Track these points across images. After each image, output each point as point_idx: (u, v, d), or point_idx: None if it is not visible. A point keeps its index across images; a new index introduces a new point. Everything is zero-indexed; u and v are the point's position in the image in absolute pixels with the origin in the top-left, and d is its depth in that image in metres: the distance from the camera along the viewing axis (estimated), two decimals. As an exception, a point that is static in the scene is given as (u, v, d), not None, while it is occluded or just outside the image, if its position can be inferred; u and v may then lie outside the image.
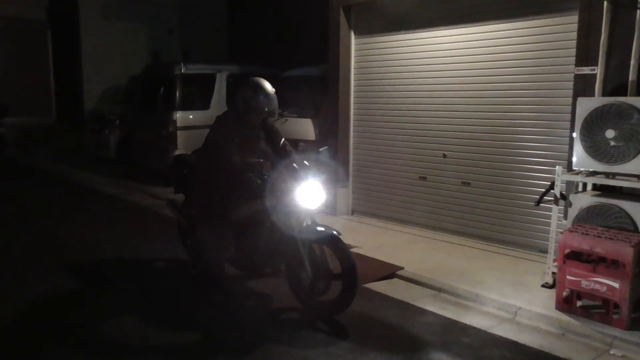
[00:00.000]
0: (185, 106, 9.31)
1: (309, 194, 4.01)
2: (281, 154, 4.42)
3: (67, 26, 15.05)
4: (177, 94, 9.28)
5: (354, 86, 7.28)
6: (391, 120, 6.86)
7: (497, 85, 5.73)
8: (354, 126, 7.34)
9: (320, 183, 4.05)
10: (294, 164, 4.19)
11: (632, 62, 4.57)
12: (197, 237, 4.73)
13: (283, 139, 4.51)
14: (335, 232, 3.97)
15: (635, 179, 4.19)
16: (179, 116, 9.16)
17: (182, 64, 9.39)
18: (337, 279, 3.98)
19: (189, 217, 4.93)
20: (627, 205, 4.19)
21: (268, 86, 4.29)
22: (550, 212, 4.68)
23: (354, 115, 7.32)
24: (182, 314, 4.25)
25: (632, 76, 4.59)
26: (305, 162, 4.20)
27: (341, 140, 7.33)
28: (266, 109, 4.25)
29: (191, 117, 9.23)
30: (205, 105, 9.46)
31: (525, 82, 5.51)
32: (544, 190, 4.73)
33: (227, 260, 4.52)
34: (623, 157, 4.19)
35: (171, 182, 5.12)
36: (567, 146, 4.99)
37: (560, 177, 4.54)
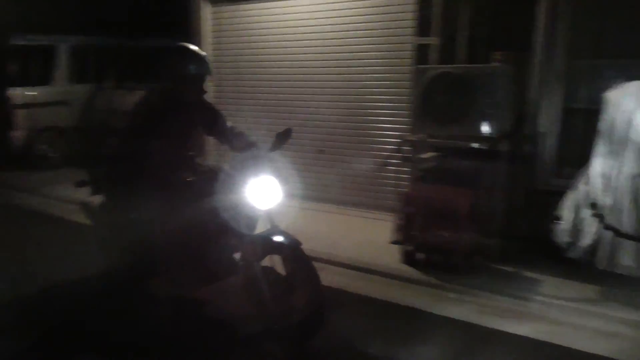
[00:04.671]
0: (23, 82, 8.40)
1: (261, 191, 3.22)
2: (229, 140, 3.65)
3: None
4: (11, 68, 8.38)
5: (210, 57, 7.05)
6: (247, 91, 6.80)
7: (345, 55, 5.94)
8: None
9: (274, 178, 3.31)
10: (245, 154, 3.38)
11: (462, 33, 4.99)
12: (128, 248, 3.62)
13: (229, 122, 3.71)
14: (295, 241, 3.28)
15: (467, 139, 4.59)
16: (15, 93, 8.25)
17: (13, 34, 8.43)
18: (297, 292, 3.31)
19: (112, 224, 3.81)
20: (462, 164, 4.59)
21: (194, 47, 3.46)
22: (397, 174, 4.98)
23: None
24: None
25: (462, 46, 5.01)
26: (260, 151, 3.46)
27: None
28: (200, 73, 3.39)
29: (31, 93, 8.37)
30: (46, 80, 8.56)
31: (370, 52, 5.77)
32: (390, 153, 5.02)
33: (172, 276, 3.50)
34: (457, 120, 4.55)
35: (88, 181, 3.84)
36: (410, 112, 5.31)
37: (404, 140, 4.84)
